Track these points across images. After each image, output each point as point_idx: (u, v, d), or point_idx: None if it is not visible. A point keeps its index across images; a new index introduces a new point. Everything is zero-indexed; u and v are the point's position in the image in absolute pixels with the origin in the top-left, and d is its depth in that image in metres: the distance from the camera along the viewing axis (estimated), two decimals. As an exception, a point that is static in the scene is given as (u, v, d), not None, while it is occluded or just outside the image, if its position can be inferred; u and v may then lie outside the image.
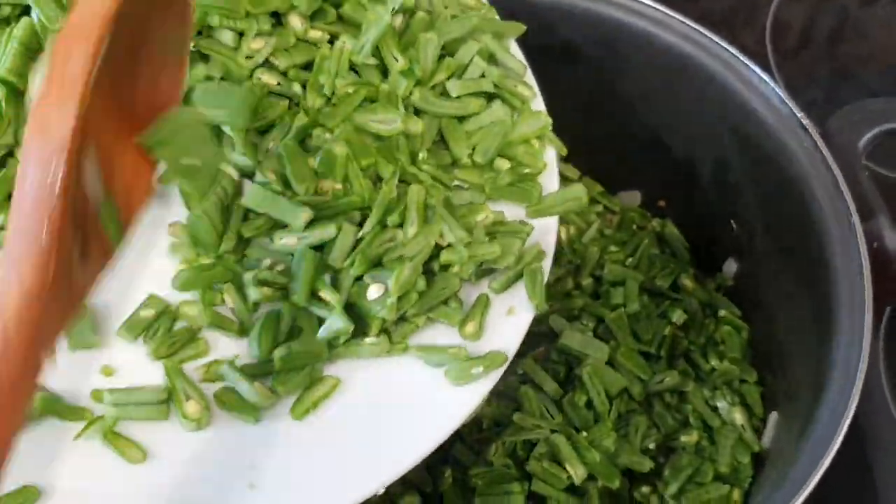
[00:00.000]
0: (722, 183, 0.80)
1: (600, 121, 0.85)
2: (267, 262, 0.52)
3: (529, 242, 0.57)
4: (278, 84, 0.56)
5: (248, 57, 0.56)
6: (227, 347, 0.52)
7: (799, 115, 0.72)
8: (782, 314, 0.76)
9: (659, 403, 0.74)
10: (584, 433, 0.70)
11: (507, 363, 0.54)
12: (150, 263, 0.52)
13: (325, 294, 0.51)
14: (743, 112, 0.75)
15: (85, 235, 0.42)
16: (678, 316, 0.78)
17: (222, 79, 0.55)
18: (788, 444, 0.68)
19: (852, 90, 1.09)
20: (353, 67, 0.58)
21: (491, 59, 0.63)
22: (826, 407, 0.63)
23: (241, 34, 0.56)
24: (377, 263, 0.52)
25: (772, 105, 0.73)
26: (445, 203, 0.55)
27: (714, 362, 0.76)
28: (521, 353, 0.56)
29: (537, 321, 0.57)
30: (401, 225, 0.53)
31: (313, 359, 0.51)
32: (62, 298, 0.41)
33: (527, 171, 0.60)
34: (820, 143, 0.71)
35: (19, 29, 0.51)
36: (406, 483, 0.70)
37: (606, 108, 0.85)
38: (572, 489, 0.69)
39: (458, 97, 0.59)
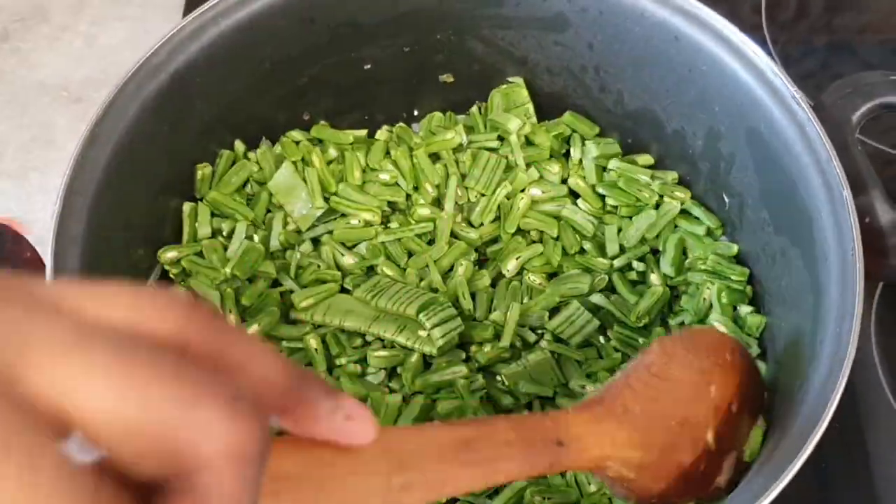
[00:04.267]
0: (714, 156, 0.79)
1: (591, 94, 0.85)
2: None
3: None
4: None
5: None
6: None
7: (791, 89, 0.71)
8: (773, 288, 0.75)
9: None
10: None
11: None
12: None
13: None
14: (734, 84, 0.73)
15: None
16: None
17: None
18: (777, 419, 0.68)
19: (848, 62, 1.08)
20: None
21: None
22: (816, 384, 0.63)
23: None
24: None
25: (764, 77, 0.72)
26: None
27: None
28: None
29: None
30: None
31: None
32: None
33: None
34: (812, 116, 0.70)
35: None
36: None
37: (597, 80, 0.84)
38: None
39: None
